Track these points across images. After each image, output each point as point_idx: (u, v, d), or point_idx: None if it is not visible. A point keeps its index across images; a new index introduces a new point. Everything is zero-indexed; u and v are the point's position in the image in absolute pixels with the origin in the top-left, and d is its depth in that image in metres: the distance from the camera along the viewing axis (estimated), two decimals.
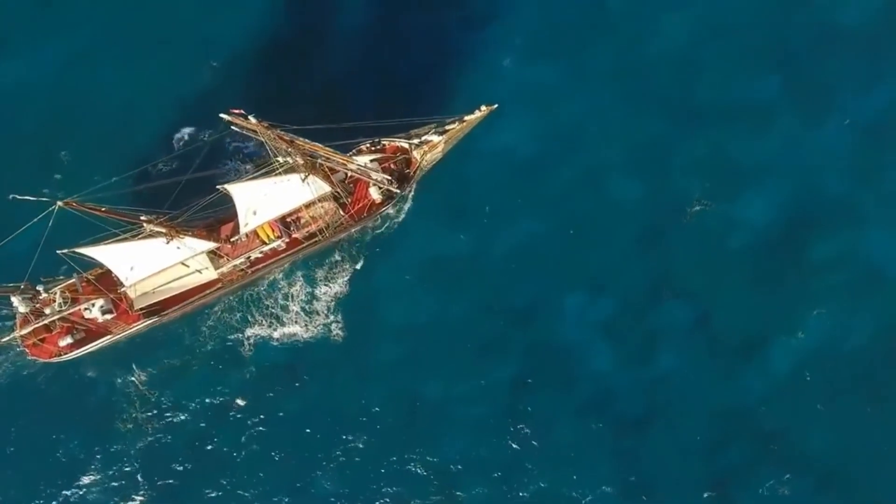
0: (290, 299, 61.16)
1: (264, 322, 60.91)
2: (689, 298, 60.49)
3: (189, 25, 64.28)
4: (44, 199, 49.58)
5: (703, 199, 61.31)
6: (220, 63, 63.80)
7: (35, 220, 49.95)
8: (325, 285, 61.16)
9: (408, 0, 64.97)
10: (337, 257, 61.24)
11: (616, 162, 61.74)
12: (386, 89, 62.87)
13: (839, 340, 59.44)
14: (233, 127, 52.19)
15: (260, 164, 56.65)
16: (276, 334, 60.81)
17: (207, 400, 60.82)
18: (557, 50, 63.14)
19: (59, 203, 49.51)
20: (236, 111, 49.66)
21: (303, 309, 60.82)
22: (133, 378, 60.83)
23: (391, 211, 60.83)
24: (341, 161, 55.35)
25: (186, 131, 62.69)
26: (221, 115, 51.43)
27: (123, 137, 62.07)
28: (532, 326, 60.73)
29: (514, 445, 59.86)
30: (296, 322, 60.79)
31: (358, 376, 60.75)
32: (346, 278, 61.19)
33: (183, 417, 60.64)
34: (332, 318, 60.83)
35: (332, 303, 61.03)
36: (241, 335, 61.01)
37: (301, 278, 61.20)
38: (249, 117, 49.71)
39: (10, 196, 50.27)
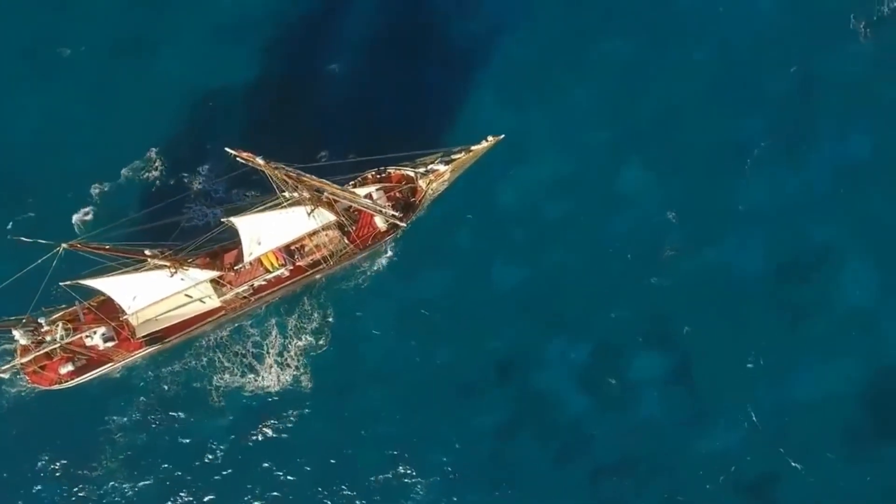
0: (263, 348, 60.38)
1: (236, 371, 60.09)
2: (668, 344, 59.29)
3: (186, 62, 63.89)
4: (48, 242, 48.78)
5: (682, 243, 60.11)
6: (221, 102, 63.37)
7: (39, 261, 49.32)
8: (297, 335, 60.38)
9: (410, 34, 64.59)
10: (307, 306, 60.56)
11: (594, 206, 60.75)
12: (389, 122, 62.39)
13: (821, 388, 58.28)
14: (238, 159, 51.39)
15: (230, 209, 56.90)
16: (247, 384, 59.98)
17: (176, 446, 60.09)
18: (538, 92, 62.35)
19: (64, 245, 49.11)
20: (245, 154, 48.90)
21: (276, 361, 60.10)
22: (106, 419, 60.29)
23: (364, 264, 60.51)
24: (348, 197, 54.72)
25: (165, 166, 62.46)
26: (227, 149, 50.64)
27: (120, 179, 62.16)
28: (511, 372, 59.52)
29: (494, 492, 59.27)
30: (269, 371, 60.03)
31: (334, 423, 59.69)
32: (317, 326, 60.48)
33: (150, 462, 60.07)
34: (303, 367, 59.98)
35: (305, 351, 60.20)
36: (210, 383, 60.17)
37: (274, 326, 60.46)
38: (257, 159, 48.96)
39: (13, 237, 49.37)
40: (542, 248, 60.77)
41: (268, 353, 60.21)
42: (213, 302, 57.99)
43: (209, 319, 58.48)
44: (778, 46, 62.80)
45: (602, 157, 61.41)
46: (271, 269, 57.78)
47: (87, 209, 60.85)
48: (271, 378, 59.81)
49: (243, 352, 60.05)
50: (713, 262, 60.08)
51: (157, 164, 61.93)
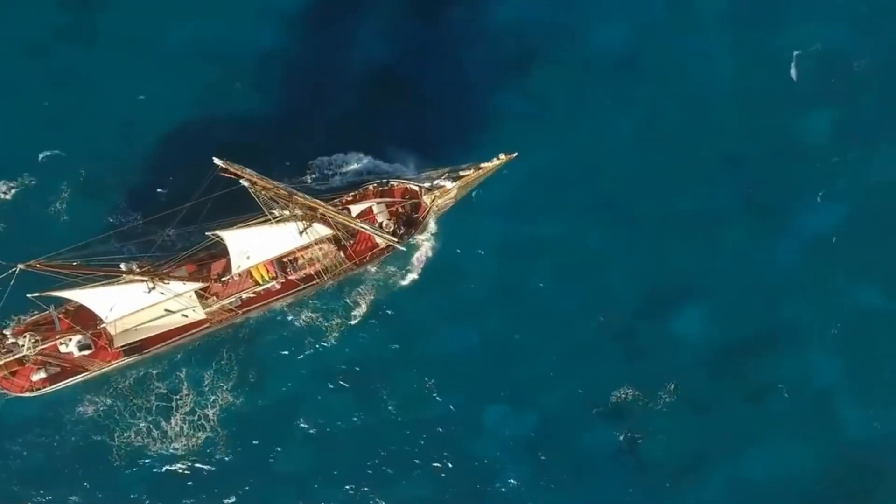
0: (172, 403, 56.17)
1: (142, 426, 55.90)
2: (618, 419, 56.06)
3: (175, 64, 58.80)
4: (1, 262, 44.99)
5: (640, 314, 56.58)
6: (213, 105, 58.51)
7: None
8: (213, 391, 56.10)
9: (427, 43, 59.74)
10: (224, 359, 56.31)
11: (548, 269, 57.27)
12: (397, 134, 57.90)
13: (780, 471, 55.43)
14: (225, 174, 47.14)
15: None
16: (150, 443, 55.89)
17: None
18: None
19: (20, 266, 44.91)
20: (233, 169, 44.50)
21: (187, 420, 55.95)
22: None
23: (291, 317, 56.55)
24: (342, 220, 50.79)
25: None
26: (216, 160, 46.35)
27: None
28: (447, 440, 56.16)
29: None
30: (178, 431, 55.82)
31: (254, 492, 56.09)
32: (235, 383, 56.23)
33: None
34: (219, 429, 55.95)
35: (222, 410, 56.06)
36: (113, 438, 55.98)
37: (185, 380, 56.16)
38: (242, 181, 44.77)
39: None
40: (491, 312, 56.83)
41: (176, 410, 55.86)
42: (198, 313, 54.17)
43: (193, 332, 54.93)
44: (749, 111, 58.51)
45: (562, 222, 57.43)
46: (261, 282, 54.06)
47: None
48: (181, 440, 55.65)
49: (147, 405, 55.78)
50: (670, 335, 56.70)
51: (65, 196, 57.33)
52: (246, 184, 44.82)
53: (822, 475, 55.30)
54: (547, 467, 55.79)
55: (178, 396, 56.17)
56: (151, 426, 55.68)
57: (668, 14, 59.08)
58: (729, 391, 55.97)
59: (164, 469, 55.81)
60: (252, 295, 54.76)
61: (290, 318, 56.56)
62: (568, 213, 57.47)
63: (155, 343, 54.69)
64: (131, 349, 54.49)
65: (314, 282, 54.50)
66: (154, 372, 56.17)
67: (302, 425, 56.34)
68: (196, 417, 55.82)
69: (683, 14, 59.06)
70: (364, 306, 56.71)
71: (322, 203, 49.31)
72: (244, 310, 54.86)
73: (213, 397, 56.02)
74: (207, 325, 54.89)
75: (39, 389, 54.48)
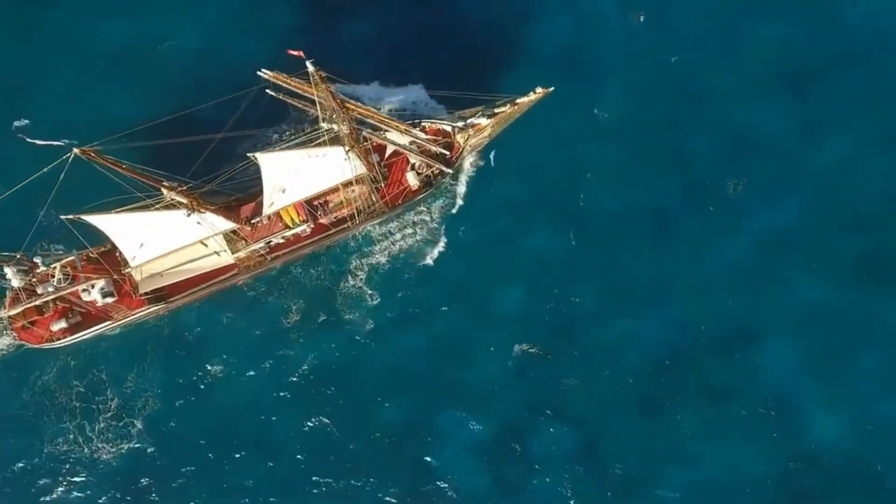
0: (95, 404, 54.28)
1: (70, 433, 53.94)
2: (573, 423, 54.45)
3: None
4: (58, 143, 43.70)
5: (591, 317, 55.12)
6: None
7: (46, 168, 44.22)
8: (136, 395, 54.39)
9: None
10: (149, 359, 54.66)
11: (500, 274, 56.20)
12: (439, 57, 57.78)
13: (733, 474, 53.63)
14: (270, 90, 47.19)
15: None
16: (75, 449, 53.98)
17: None
18: None
19: (76, 151, 43.98)
20: (294, 52, 44.17)
21: (111, 426, 54.12)
22: None
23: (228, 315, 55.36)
24: (397, 128, 50.36)
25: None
26: (260, 72, 46.42)
27: (150, 84, 56.59)
28: (401, 445, 54.67)
29: None
30: (101, 438, 53.93)
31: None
32: (163, 389, 54.63)
33: None
34: (147, 437, 54.09)
35: (150, 416, 54.42)
36: (41, 443, 54.19)
37: (108, 383, 54.41)
38: (308, 63, 44.40)
39: (26, 138, 44.27)
40: (441, 314, 55.84)
41: (99, 417, 53.96)
42: (226, 258, 52.94)
43: (219, 278, 53.47)
44: (697, 106, 57.65)
45: (509, 221, 56.64)
46: (291, 226, 53.13)
47: None
48: (107, 449, 53.85)
49: (71, 405, 53.91)
50: (621, 334, 55.29)
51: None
52: (311, 68, 44.26)
53: (779, 476, 53.45)
54: (503, 471, 54.30)
55: (100, 399, 54.07)
56: (77, 432, 53.78)
57: (615, 11, 59.51)
58: (683, 391, 54.34)
59: (91, 475, 53.86)
60: (281, 241, 53.61)
61: (221, 316, 55.37)
62: (515, 212, 56.61)
63: (179, 290, 52.95)
64: (156, 297, 52.71)
65: (345, 225, 53.62)
66: (72, 363, 54.63)
67: (242, 432, 54.44)
68: (121, 424, 53.67)
69: (630, 11, 59.44)
70: (299, 308, 55.56)
71: (376, 111, 48.95)
72: (273, 255, 53.75)
73: (138, 403, 54.06)
74: (235, 271, 53.48)
75: (59, 339, 52.52)
